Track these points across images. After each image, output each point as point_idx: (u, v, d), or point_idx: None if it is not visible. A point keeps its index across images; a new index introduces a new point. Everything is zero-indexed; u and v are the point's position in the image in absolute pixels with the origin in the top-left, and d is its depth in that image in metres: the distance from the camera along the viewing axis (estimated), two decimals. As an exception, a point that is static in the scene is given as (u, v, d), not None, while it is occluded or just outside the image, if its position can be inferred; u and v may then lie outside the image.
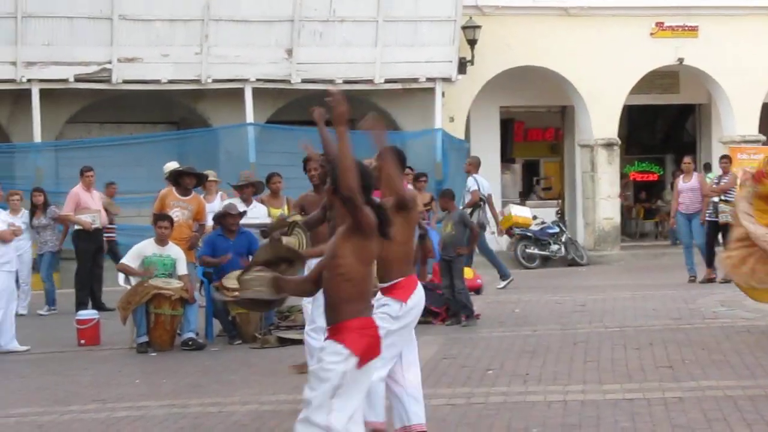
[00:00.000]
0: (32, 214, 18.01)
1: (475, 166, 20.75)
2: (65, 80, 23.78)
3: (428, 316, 15.12)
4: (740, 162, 27.44)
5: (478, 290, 18.53)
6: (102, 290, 17.96)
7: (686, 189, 19.45)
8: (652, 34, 27.98)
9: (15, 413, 10.18)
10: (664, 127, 33.78)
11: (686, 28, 28.11)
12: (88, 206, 17.83)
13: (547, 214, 27.33)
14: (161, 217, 14.11)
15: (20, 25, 23.26)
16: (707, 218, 19.11)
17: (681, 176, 20.07)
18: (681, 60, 28.14)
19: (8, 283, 13.92)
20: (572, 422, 8.76)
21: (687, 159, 20.23)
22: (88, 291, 17.50)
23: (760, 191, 12.52)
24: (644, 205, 33.15)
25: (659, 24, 27.98)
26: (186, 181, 15.05)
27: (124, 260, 14.27)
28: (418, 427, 7.83)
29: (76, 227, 17.81)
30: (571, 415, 9.00)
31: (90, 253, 17.71)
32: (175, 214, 14.72)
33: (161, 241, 13.89)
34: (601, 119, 27.82)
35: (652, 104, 30.84)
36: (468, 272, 18.65)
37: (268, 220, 15.31)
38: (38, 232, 18.08)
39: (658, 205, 32.66)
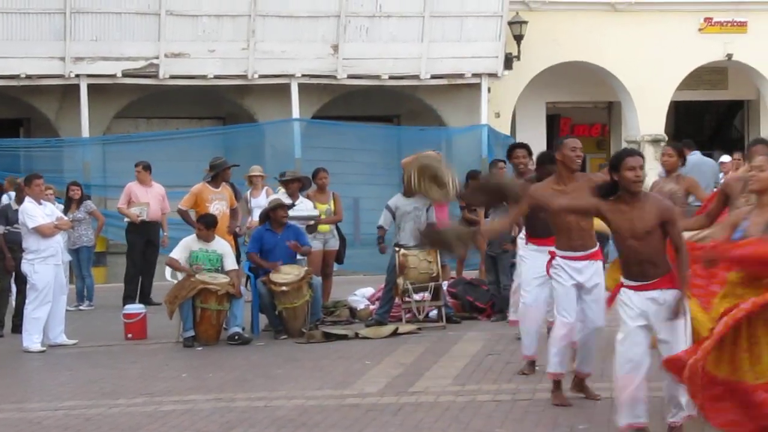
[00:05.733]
0: (67, 208, 17.84)
1: None
2: (113, 75, 23.95)
3: (474, 312, 15.12)
4: (789, 158, 27.11)
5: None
6: (152, 284, 18.00)
7: (735, 186, 19.29)
8: (700, 29, 27.77)
9: (63, 406, 10.26)
10: (712, 123, 33.51)
11: (735, 24, 27.88)
12: (138, 200, 17.93)
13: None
14: (201, 219, 14.22)
15: (69, 21, 23.45)
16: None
17: (730, 173, 19.91)
18: (729, 56, 27.91)
19: (56, 277, 13.97)
20: (619, 419, 8.71)
21: (737, 155, 20.05)
22: (137, 285, 17.54)
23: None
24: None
25: (707, 19, 27.76)
26: (227, 174, 15.38)
27: (172, 254, 14.34)
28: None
29: (127, 220, 17.95)
30: (618, 413, 8.94)
31: (140, 246, 17.76)
32: (216, 207, 14.96)
33: (205, 238, 13.96)
34: (648, 115, 27.65)
35: (699, 100, 30.61)
36: None
37: (315, 212, 15.36)
38: (73, 227, 17.39)
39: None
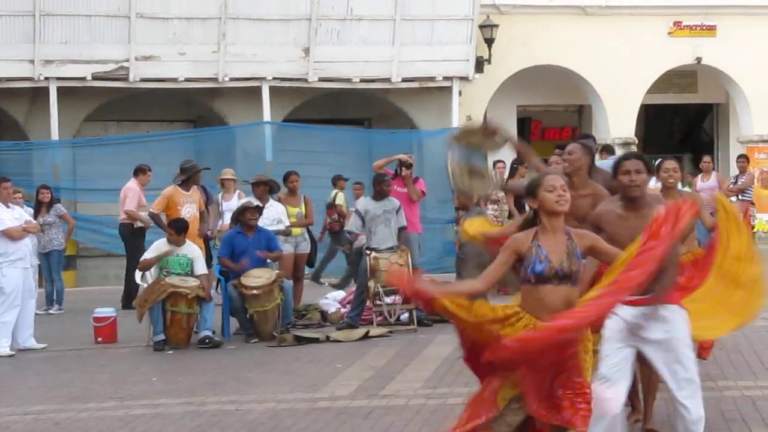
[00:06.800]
0: (37, 212, 17.76)
1: None
2: (83, 78, 23.86)
3: (445, 316, 15.11)
4: (758, 162, 27.42)
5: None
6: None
7: (705, 188, 19.44)
8: (669, 33, 27.92)
9: (32, 411, 10.20)
10: (682, 126, 33.68)
11: (704, 28, 28.04)
12: (145, 204, 17.97)
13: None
14: (172, 223, 14.20)
15: (38, 23, 23.34)
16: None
17: (699, 175, 20.06)
18: (699, 59, 28.06)
19: (24, 281, 13.89)
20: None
21: (706, 158, 20.24)
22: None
23: None
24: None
25: (677, 23, 27.92)
26: (198, 177, 15.39)
27: (143, 257, 14.31)
28: None
29: (130, 222, 17.90)
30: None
31: (142, 250, 17.77)
32: (187, 210, 14.97)
33: (176, 243, 13.93)
34: (618, 118, 27.76)
35: (669, 104, 30.76)
36: None
37: (281, 226, 15.29)
38: (43, 230, 17.25)
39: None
